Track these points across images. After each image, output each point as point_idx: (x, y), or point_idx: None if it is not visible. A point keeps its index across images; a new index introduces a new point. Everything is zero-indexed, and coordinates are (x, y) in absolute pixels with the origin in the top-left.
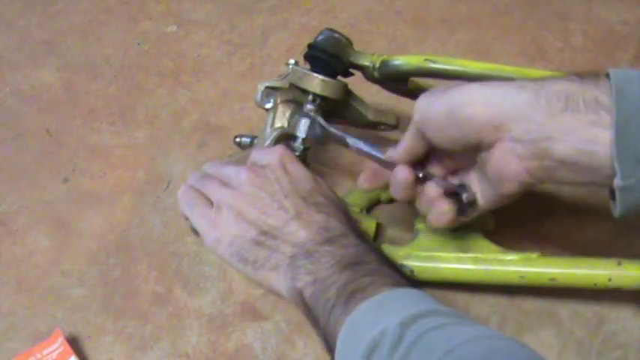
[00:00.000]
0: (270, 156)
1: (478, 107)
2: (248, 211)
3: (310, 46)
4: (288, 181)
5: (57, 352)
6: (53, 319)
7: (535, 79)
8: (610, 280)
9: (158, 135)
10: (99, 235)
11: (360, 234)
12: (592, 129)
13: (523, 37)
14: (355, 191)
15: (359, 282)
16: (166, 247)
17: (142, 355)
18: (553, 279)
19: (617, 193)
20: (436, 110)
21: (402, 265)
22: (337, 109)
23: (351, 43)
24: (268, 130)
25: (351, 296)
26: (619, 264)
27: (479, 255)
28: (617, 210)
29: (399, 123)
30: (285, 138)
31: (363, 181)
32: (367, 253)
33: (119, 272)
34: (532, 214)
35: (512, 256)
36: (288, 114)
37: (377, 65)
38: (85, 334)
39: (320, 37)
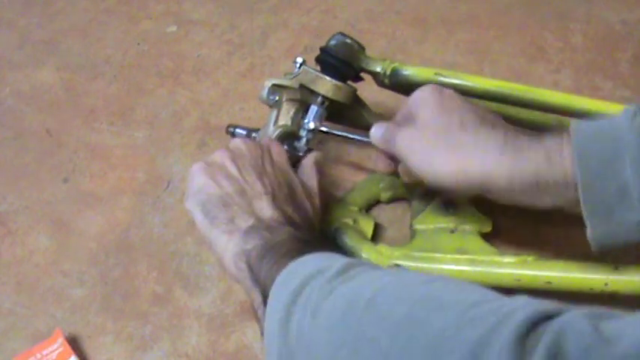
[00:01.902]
0: (265, 142)
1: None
2: (231, 168)
3: (322, 50)
4: (271, 166)
5: (57, 352)
6: (53, 319)
7: (513, 147)
8: (606, 284)
9: (158, 135)
10: (99, 235)
11: (314, 229)
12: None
13: (523, 37)
14: (355, 190)
15: (310, 246)
16: (166, 247)
17: (142, 355)
18: (549, 282)
19: (591, 243)
20: (441, 172)
21: (397, 265)
22: (342, 111)
23: (363, 49)
24: (271, 127)
25: (299, 252)
26: (615, 268)
27: (475, 257)
28: (593, 246)
29: None
30: (288, 136)
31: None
32: (322, 243)
33: (119, 272)
34: (530, 216)
35: (508, 259)
36: (292, 112)
37: (388, 73)
38: (85, 334)
39: (332, 42)
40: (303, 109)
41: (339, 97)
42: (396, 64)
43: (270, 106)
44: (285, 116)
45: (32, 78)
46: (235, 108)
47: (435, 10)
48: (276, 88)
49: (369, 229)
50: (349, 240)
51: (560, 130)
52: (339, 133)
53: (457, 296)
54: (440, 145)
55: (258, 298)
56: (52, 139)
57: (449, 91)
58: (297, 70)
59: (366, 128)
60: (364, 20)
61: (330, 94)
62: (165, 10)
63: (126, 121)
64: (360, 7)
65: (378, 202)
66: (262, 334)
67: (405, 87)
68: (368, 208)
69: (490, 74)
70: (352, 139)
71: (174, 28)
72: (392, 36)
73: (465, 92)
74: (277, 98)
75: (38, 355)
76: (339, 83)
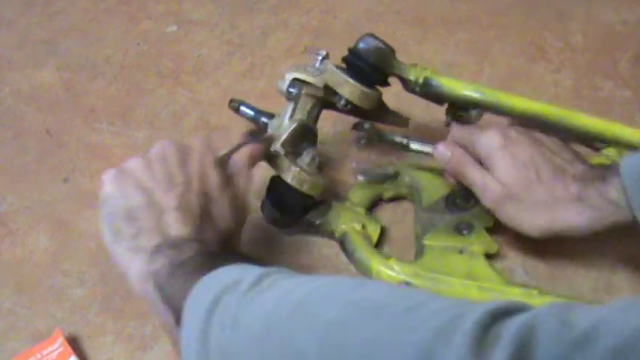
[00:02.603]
0: (195, 142)
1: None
2: (142, 177)
3: (351, 52)
4: (187, 175)
5: (57, 352)
6: (53, 319)
7: (588, 198)
8: None
9: (158, 135)
10: (99, 235)
11: (230, 248)
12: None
13: (523, 37)
14: (358, 189)
15: (221, 260)
16: None
17: (142, 355)
18: None
19: None
20: (531, 226)
21: (407, 284)
22: (364, 111)
23: (393, 52)
24: (287, 121)
25: (210, 267)
26: None
27: (484, 284)
28: None
29: (408, 125)
30: (303, 131)
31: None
32: (232, 256)
33: (119, 272)
34: None
35: (515, 290)
36: (309, 107)
37: (420, 82)
38: (85, 334)
39: (362, 45)
40: (320, 104)
41: (365, 103)
42: (428, 73)
43: (288, 99)
44: (302, 110)
45: (32, 78)
46: None
47: (435, 10)
48: (298, 82)
49: (375, 234)
50: (357, 250)
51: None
52: (397, 139)
53: (390, 300)
54: (525, 203)
55: (170, 319)
56: (52, 139)
57: (514, 135)
58: (318, 63)
59: (379, 121)
60: (364, 20)
61: (356, 101)
62: (165, 10)
63: (126, 121)
64: (360, 7)
65: (380, 200)
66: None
67: (438, 99)
68: (371, 206)
69: (490, 74)
70: (410, 148)
71: (174, 28)
72: (392, 36)
73: (499, 113)
74: (296, 91)
75: (38, 355)
76: (367, 90)
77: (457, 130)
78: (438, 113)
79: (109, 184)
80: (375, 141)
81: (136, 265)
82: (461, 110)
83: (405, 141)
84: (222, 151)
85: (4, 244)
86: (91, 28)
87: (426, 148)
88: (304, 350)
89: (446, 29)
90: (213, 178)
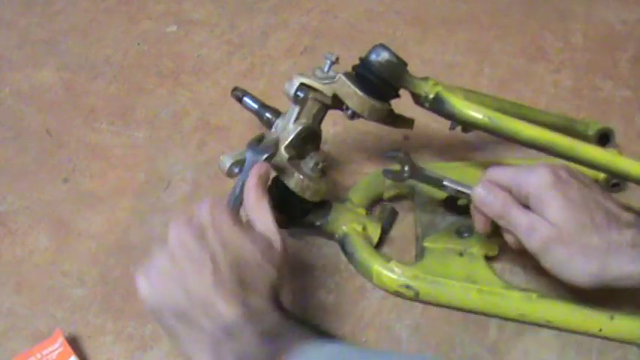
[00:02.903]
0: (204, 213)
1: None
2: (171, 277)
3: (362, 63)
4: (217, 248)
5: (57, 352)
6: (53, 319)
7: None
8: (601, 330)
9: (158, 135)
10: (99, 235)
11: (281, 306)
12: None
13: (523, 37)
14: (358, 189)
15: (280, 347)
16: None
17: (142, 355)
18: (549, 321)
19: None
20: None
21: (408, 286)
22: None
23: (405, 65)
24: (291, 124)
25: None
26: (611, 318)
27: (483, 287)
28: None
29: (412, 126)
30: (308, 135)
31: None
32: (290, 325)
33: (119, 272)
34: None
35: (514, 293)
36: (315, 111)
37: (431, 98)
38: (85, 334)
39: (374, 57)
40: (325, 108)
41: (373, 117)
42: (439, 89)
43: (295, 103)
44: (308, 114)
45: (32, 78)
46: (235, 108)
47: (435, 10)
48: (305, 87)
49: (376, 235)
50: (358, 252)
51: None
52: (433, 176)
53: None
54: (576, 250)
55: None
56: (52, 139)
57: (565, 175)
58: (327, 68)
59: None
60: (364, 20)
61: (364, 114)
62: (166, 10)
63: (126, 121)
64: (360, 7)
65: (380, 199)
66: None
67: (447, 117)
68: (371, 205)
69: (490, 74)
70: (446, 187)
71: (174, 28)
72: (392, 36)
73: (509, 139)
74: (304, 95)
75: (38, 355)
76: (377, 105)
77: (497, 171)
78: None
79: (143, 288)
80: (407, 179)
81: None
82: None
83: (440, 180)
84: (228, 198)
85: (4, 244)
86: (91, 28)
87: (464, 189)
88: None
89: (446, 29)
90: (236, 240)
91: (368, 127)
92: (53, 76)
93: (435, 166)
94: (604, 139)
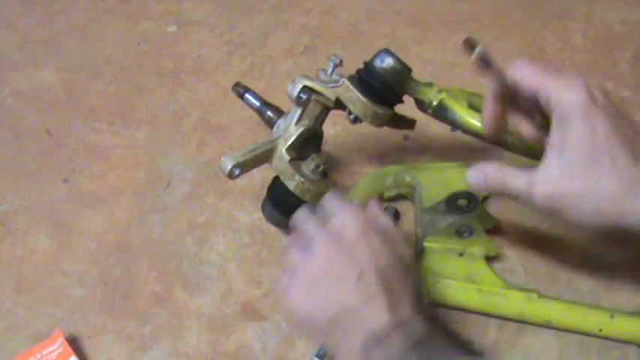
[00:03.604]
0: (348, 222)
1: None
2: (322, 289)
3: (367, 68)
4: (366, 257)
5: (57, 352)
6: (53, 319)
7: None
8: (600, 330)
9: (158, 135)
10: (99, 235)
11: (421, 308)
12: None
13: (523, 37)
14: (359, 188)
15: (428, 358)
16: (166, 247)
17: (142, 355)
18: (549, 321)
19: None
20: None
21: None
22: None
23: (410, 71)
24: (293, 126)
25: None
26: (611, 317)
27: (484, 287)
28: None
29: (414, 127)
30: (310, 136)
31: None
32: (434, 332)
33: (119, 272)
34: (532, 214)
35: (514, 293)
36: (317, 112)
37: (434, 105)
38: (85, 334)
39: (378, 62)
40: (327, 110)
41: (376, 122)
42: (443, 96)
43: (297, 104)
44: (310, 115)
45: (32, 78)
46: (235, 108)
47: (435, 10)
48: (308, 90)
49: None
50: None
51: None
52: None
53: None
54: (588, 193)
55: None
56: (52, 139)
57: (600, 97)
58: (330, 71)
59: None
60: (364, 20)
61: (367, 119)
62: (166, 10)
63: (126, 121)
64: (360, 7)
65: (381, 199)
66: None
67: (449, 124)
68: None
69: None
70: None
71: (174, 28)
72: (392, 36)
73: (509, 149)
74: (306, 97)
75: (38, 355)
76: (380, 111)
77: (523, 67)
78: None
79: (294, 300)
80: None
81: None
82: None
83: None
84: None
85: (4, 244)
86: (91, 28)
87: None
88: None
89: (446, 29)
90: (384, 252)
91: (368, 128)
92: (53, 76)
93: (434, 166)
94: None
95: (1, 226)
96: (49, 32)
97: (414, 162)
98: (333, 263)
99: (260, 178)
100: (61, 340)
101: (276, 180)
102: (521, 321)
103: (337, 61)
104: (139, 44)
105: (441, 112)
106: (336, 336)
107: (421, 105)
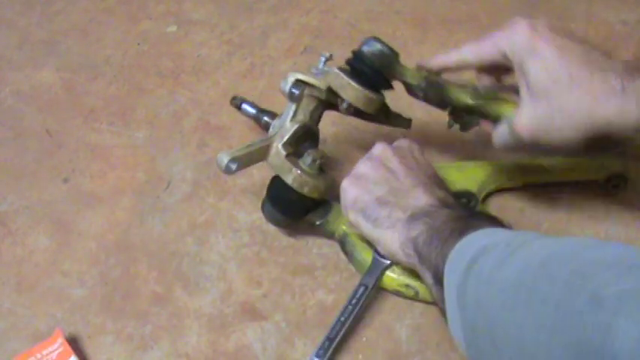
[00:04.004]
0: (402, 142)
1: None
2: (372, 176)
3: (355, 56)
4: (415, 160)
5: (57, 352)
6: (53, 319)
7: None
8: None
9: (158, 135)
10: (99, 235)
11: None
12: None
13: None
14: None
15: (468, 225)
16: (166, 247)
17: (142, 355)
18: None
19: None
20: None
21: (407, 285)
22: (366, 113)
23: (397, 56)
24: (289, 122)
25: (460, 234)
26: None
27: None
28: None
29: (410, 126)
30: (305, 132)
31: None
32: (476, 213)
33: (119, 272)
34: (531, 214)
35: None
36: (311, 108)
37: (423, 86)
38: (85, 334)
39: (366, 48)
40: (322, 105)
41: (369, 108)
42: (433, 79)
43: (291, 100)
44: (305, 111)
45: (32, 78)
46: None
47: (435, 10)
48: (301, 83)
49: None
50: (357, 252)
51: None
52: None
53: (614, 256)
54: (558, 110)
55: (429, 279)
56: (52, 139)
57: (542, 28)
58: (322, 65)
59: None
60: (364, 20)
61: (359, 105)
62: (166, 10)
63: (126, 121)
64: (360, 7)
65: None
66: (440, 310)
67: (441, 102)
68: None
69: None
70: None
71: (174, 28)
72: (392, 36)
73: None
74: (299, 92)
75: (38, 355)
76: (370, 94)
77: (469, 49)
78: (440, 116)
79: (351, 189)
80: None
81: (397, 236)
82: (464, 112)
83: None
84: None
85: (4, 244)
86: (91, 28)
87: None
88: (547, 298)
89: (446, 29)
90: (424, 160)
91: (368, 127)
92: (53, 76)
93: (436, 167)
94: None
95: (1, 226)
96: (49, 32)
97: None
98: (388, 161)
99: (260, 177)
100: (61, 340)
101: (275, 179)
102: None
103: (327, 56)
104: (139, 44)
105: (430, 91)
106: (385, 211)
107: (411, 89)
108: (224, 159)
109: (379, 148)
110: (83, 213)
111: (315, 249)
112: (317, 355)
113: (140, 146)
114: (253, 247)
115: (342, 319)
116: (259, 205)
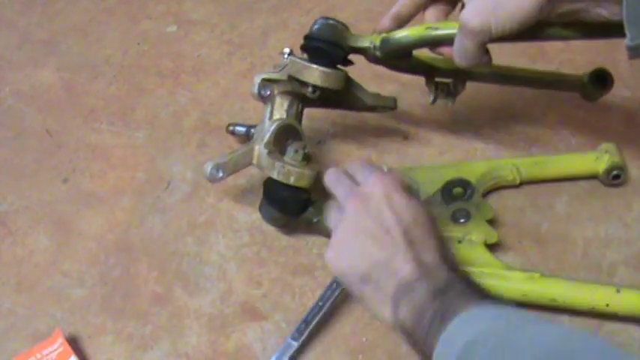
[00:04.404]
0: (375, 187)
1: None
2: (353, 248)
3: (307, 38)
4: (391, 216)
5: (57, 352)
6: (53, 319)
7: None
8: (607, 305)
9: (158, 135)
10: (99, 235)
11: (448, 261)
12: None
13: None
14: None
15: (448, 305)
16: (166, 247)
17: (142, 355)
18: (554, 300)
19: (628, 53)
20: None
21: None
22: (336, 96)
23: (347, 28)
24: (267, 122)
25: (442, 318)
26: (617, 291)
27: (484, 270)
28: (629, 55)
29: (396, 105)
30: (287, 130)
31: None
32: (455, 280)
33: (119, 272)
34: (532, 214)
35: (515, 274)
36: (286, 105)
37: (378, 44)
38: (85, 334)
39: (315, 27)
40: (297, 100)
41: (329, 83)
42: (384, 34)
43: (264, 102)
44: (280, 110)
45: (32, 78)
46: (235, 108)
47: None
48: (267, 82)
49: None
50: None
51: None
52: None
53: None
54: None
55: None
56: (52, 139)
57: None
58: (285, 61)
59: (365, 109)
60: (364, 20)
61: (319, 82)
62: (166, 10)
63: (126, 121)
64: (360, 7)
65: None
66: None
67: (399, 54)
68: None
69: None
70: None
71: (174, 28)
72: None
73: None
74: (269, 93)
75: (38, 355)
76: (327, 70)
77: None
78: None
79: (333, 264)
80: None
81: (386, 315)
82: (439, 78)
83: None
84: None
85: (4, 244)
86: (91, 28)
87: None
88: None
89: None
90: (407, 208)
91: (367, 127)
92: (53, 76)
93: (434, 166)
94: (601, 80)
95: (1, 226)
96: (49, 32)
97: (414, 162)
98: (362, 224)
99: (259, 178)
100: (61, 340)
101: (267, 181)
102: (525, 304)
103: (288, 51)
104: (139, 44)
105: (387, 46)
106: (369, 290)
107: (369, 54)
108: (208, 167)
109: (352, 209)
110: (83, 213)
111: (315, 249)
112: (292, 338)
113: (140, 146)
114: (253, 247)
115: (320, 303)
116: (258, 205)
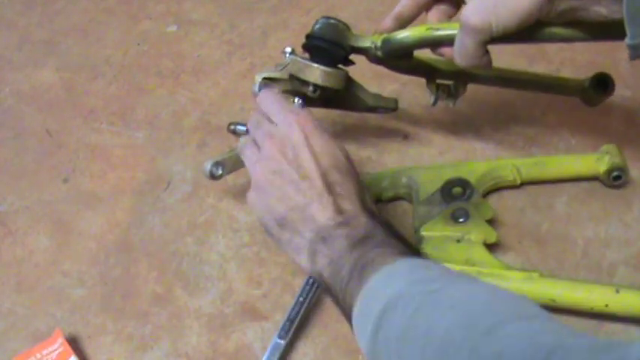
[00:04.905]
0: (292, 128)
1: None
2: (270, 191)
3: (308, 37)
4: (309, 158)
5: (57, 352)
6: (53, 319)
7: None
8: (607, 305)
9: (158, 135)
10: (99, 235)
11: (368, 208)
12: None
13: None
14: None
15: (368, 257)
16: (166, 247)
17: (142, 355)
18: (553, 300)
19: (628, 52)
20: None
21: None
22: (337, 96)
23: (348, 28)
24: None
25: (362, 270)
26: (617, 291)
27: (483, 269)
28: (630, 55)
29: (397, 106)
30: None
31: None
32: (375, 229)
33: (119, 272)
34: (532, 214)
35: (515, 274)
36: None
37: (379, 44)
38: (85, 334)
39: (317, 26)
40: (298, 101)
41: (330, 83)
42: (385, 35)
43: None
44: None
45: (32, 78)
46: (235, 108)
47: None
48: (268, 81)
49: None
50: None
51: None
52: None
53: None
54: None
55: (343, 313)
56: (52, 139)
57: None
58: (286, 60)
59: (365, 110)
60: (364, 20)
61: (320, 82)
62: (166, 10)
63: (126, 121)
64: (360, 7)
65: (379, 200)
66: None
67: (400, 54)
68: None
69: None
70: None
71: (174, 28)
72: None
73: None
74: None
75: (38, 355)
76: (328, 69)
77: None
78: (439, 116)
79: (254, 205)
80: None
81: (303, 264)
82: (440, 80)
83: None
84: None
85: (4, 244)
86: (91, 28)
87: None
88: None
89: None
90: (327, 151)
91: (367, 127)
92: (53, 76)
93: (434, 166)
94: (602, 85)
95: (1, 226)
96: (49, 32)
97: (414, 162)
98: (279, 167)
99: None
100: (61, 340)
101: None
102: None
103: (289, 50)
104: (139, 44)
105: (388, 46)
106: (286, 234)
107: (370, 54)
108: (207, 165)
109: (269, 152)
110: (83, 213)
111: None
112: (279, 337)
113: (140, 146)
114: (253, 247)
115: (301, 299)
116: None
